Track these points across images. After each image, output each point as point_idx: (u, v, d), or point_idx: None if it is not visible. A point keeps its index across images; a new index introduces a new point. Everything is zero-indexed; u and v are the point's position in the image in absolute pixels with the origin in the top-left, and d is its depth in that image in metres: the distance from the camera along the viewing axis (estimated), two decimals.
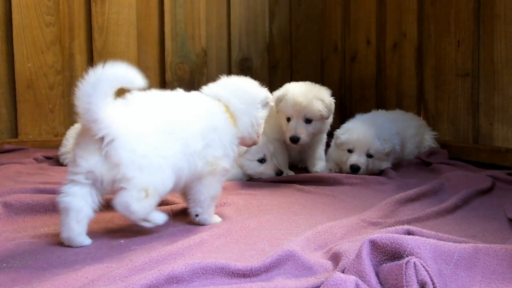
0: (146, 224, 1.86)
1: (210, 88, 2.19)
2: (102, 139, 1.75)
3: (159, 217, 1.89)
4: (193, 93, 2.13)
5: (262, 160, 2.90)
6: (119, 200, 1.79)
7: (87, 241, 1.81)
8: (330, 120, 3.18)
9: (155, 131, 1.85)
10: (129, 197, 1.78)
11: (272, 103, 2.35)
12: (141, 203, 1.80)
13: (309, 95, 3.04)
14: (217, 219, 2.10)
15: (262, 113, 2.22)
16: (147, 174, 1.79)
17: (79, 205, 1.77)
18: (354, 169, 3.01)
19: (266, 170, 2.91)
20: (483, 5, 3.26)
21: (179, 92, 2.09)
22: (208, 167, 1.99)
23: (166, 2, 4.65)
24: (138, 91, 1.91)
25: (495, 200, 2.35)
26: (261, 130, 2.24)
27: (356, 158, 3.04)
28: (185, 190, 2.06)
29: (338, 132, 3.18)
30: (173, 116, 1.92)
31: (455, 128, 3.53)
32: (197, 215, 2.05)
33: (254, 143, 2.26)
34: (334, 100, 3.13)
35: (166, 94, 2.04)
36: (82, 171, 1.77)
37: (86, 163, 1.76)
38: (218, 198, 2.12)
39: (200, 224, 2.05)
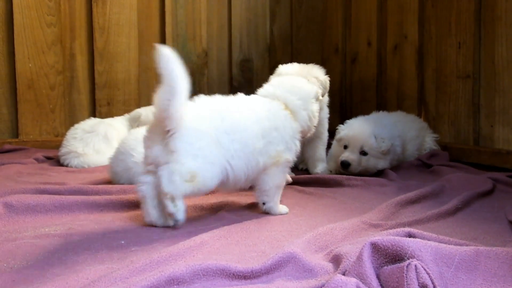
0: (170, 208, 1.94)
1: (266, 90, 2.36)
2: (167, 132, 1.95)
3: (182, 214, 1.97)
4: (253, 96, 2.32)
5: None
6: (163, 168, 1.95)
7: (170, 221, 2.00)
8: (326, 100, 3.18)
9: (214, 130, 2.04)
10: (176, 170, 1.93)
11: (321, 97, 2.41)
12: (182, 181, 1.94)
13: (303, 72, 3.01)
14: (283, 209, 2.25)
15: (316, 106, 2.38)
16: (199, 164, 1.97)
17: (154, 193, 2.01)
18: (344, 165, 3.00)
19: None
20: (484, 7, 3.26)
21: (240, 96, 2.28)
22: (271, 160, 2.17)
23: (167, 3, 4.66)
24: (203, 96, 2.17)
25: (496, 202, 2.35)
26: (316, 121, 2.40)
27: (347, 155, 3.03)
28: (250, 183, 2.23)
29: (340, 126, 3.19)
30: (233, 118, 2.10)
31: (456, 130, 3.53)
32: (264, 203, 2.23)
33: (309, 133, 2.43)
34: (329, 78, 3.12)
35: (229, 98, 2.24)
36: (149, 160, 2.02)
37: (151, 152, 2.00)
38: (282, 187, 2.27)
39: (267, 213, 2.23)
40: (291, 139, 2.24)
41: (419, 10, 3.85)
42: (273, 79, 2.40)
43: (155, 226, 2.02)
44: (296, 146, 2.27)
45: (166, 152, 1.96)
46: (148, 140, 2.04)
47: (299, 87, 2.36)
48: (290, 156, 2.23)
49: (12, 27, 4.23)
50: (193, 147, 1.96)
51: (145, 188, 2.02)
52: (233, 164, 2.07)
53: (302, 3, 5.10)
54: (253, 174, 2.16)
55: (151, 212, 2.02)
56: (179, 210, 1.96)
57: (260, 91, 2.37)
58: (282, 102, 2.27)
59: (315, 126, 2.41)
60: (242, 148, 2.08)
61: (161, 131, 1.96)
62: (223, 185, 2.13)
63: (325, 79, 3.08)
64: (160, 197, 1.98)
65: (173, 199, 1.94)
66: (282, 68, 3.12)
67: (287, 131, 2.22)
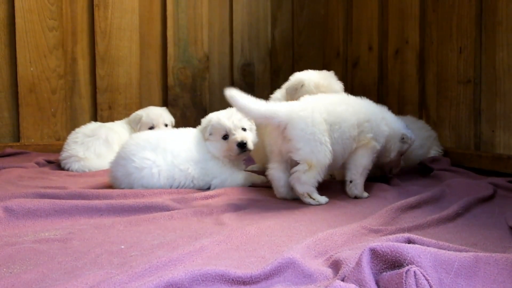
0: (311, 201, 2.47)
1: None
2: (279, 125, 2.47)
3: (322, 199, 2.50)
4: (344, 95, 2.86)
5: (225, 137, 2.87)
6: (293, 176, 2.47)
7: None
8: None
9: (321, 118, 2.48)
10: (298, 172, 2.44)
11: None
12: (306, 174, 2.43)
13: (326, 76, 3.17)
14: (365, 194, 2.66)
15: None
16: (312, 147, 2.42)
17: (279, 175, 2.57)
18: None
19: (230, 145, 2.84)
20: (485, 12, 3.27)
21: (339, 94, 2.89)
22: (361, 143, 2.61)
23: (169, 7, 4.67)
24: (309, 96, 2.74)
25: (496, 208, 2.34)
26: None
27: None
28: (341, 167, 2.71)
29: None
30: (336, 111, 2.55)
31: (456, 135, 3.53)
32: (351, 181, 2.65)
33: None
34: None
35: (330, 95, 2.77)
36: (276, 152, 2.54)
37: (276, 145, 2.53)
38: (368, 170, 2.67)
39: (352, 194, 2.64)
40: (378, 130, 2.68)
41: (420, 15, 3.85)
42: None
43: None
44: (382, 137, 2.70)
45: (285, 141, 2.46)
46: (271, 138, 2.58)
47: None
48: (377, 144, 2.66)
49: (14, 31, 4.25)
50: (305, 132, 2.43)
51: (272, 172, 2.57)
52: (333, 148, 2.49)
53: (303, 8, 5.11)
54: (347, 157, 2.62)
55: (280, 190, 2.58)
56: (319, 201, 2.48)
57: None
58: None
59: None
60: (341, 135, 2.53)
61: (276, 127, 2.47)
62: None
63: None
64: (284, 179, 2.54)
65: (309, 195, 2.47)
66: (301, 75, 3.22)
67: (376, 123, 2.67)
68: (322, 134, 2.45)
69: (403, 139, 2.80)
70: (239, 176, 2.91)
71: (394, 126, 2.79)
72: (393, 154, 2.82)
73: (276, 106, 2.51)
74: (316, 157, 2.43)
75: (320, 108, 2.53)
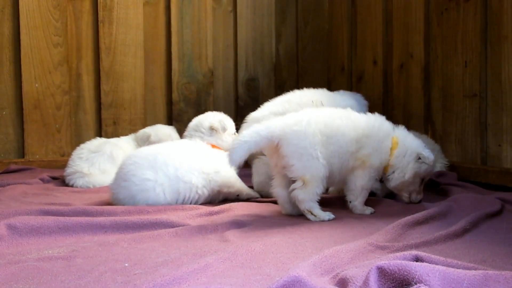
0: (312, 218, 2.44)
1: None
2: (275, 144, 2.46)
3: (324, 215, 2.46)
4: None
5: None
6: (292, 194, 2.46)
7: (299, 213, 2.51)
8: None
9: (315, 130, 2.46)
10: (296, 189, 2.43)
11: None
12: (303, 191, 2.42)
13: None
14: (367, 210, 2.60)
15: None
16: (304, 162, 2.41)
17: (282, 192, 2.53)
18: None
19: None
20: (491, 26, 3.26)
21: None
22: (358, 162, 2.55)
23: (173, 22, 4.69)
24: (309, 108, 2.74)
25: (504, 223, 2.31)
26: None
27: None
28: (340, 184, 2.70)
29: None
30: (333, 125, 2.52)
31: (463, 149, 3.51)
32: (350, 202, 2.62)
33: None
34: None
35: (332, 109, 2.69)
36: (274, 168, 2.54)
37: (273, 161, 2.53)
38: (368, 190, 2.63)
39: (354, 213, 2.60)
40: (378, 145, 2.60)
41: (425, 29, 3.85)
42: None
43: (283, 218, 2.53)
44: (383, 153, 2.61)
45: (280, 158, 2.45)
46: (267, 153, 2.57)
47: None
48: (375, 161, 2.57)
49: (19, 47, 4.26)
50: (298, 147, 2.42)
51: (276, 190, 2.55)
52: (331, 162, 2.49)
53: (307, 23, 5.12)
54: (346, 173, 2.58)
55: (286, 206, 2.55)
56: (321, 217, 2.44)
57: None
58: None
59: None
60: (338, 149, 2.50)
61: (272, 145, 2.46)
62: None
63: None
64: (288, 195, 2.50)
65: (310, 212, 2.44)
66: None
67: (376, 138, 2.60)
68: (314, 148, 2.43)
69: (419, 159, 2.63)
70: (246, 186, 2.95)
71: (406, 144, 2.65)
72: (407, 176, 2.63)
73: (270, 124, 2.48)
74: (309, 172, 2.42)
75: (316, 119, 2.51)
